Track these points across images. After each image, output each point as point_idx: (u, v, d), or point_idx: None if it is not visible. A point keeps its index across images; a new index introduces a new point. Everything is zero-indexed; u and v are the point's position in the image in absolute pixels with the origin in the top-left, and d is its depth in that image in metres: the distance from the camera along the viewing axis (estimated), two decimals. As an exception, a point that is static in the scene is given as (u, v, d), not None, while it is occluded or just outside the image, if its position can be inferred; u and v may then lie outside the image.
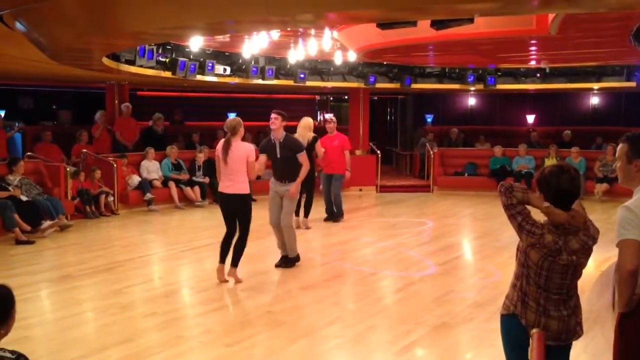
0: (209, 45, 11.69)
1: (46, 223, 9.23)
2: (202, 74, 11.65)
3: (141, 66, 10.43)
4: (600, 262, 7.35)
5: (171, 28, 6.42)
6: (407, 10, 5.39)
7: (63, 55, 8.52)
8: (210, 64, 11.68)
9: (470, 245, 9.67)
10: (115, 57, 9.75)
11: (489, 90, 15.28)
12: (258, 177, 12.69)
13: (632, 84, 13.39)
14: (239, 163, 6.54)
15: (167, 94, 18.35)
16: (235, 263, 6.77)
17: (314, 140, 9.75)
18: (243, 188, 6.60)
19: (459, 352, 5.09)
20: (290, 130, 9.45)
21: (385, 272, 7.49)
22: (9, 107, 16.14)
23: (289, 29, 9.12)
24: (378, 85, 14.34)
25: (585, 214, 3.04)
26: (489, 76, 14.49)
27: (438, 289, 6.66)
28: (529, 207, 3.05)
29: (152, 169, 12.29)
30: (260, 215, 7.96)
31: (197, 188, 12.33)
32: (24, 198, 9.36)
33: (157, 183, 12.16)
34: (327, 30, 9.37)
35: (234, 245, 6.73)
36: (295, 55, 11.69)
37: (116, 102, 14.05)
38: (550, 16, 6.87)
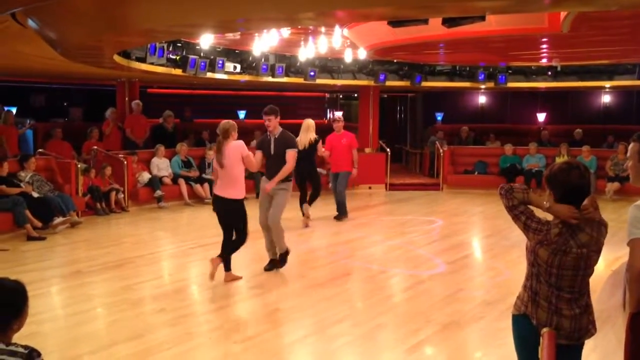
0: (220, 43, 11.73)
1: (57, 219, 9.29)
2: (212, 71, 11.68)
3: (152, 64, 10.48)
4: (611, 261, 7.31)
5: (182, 25, 6.45)
6: (418, 8, 5.39)
7: (74, 53, 8.58)
8: (220, 62, 11.72)
9: (480, 243, 9.64)
10: (126, 55, 9.80)
11: (499, 88, 15.22)
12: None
13: (644, 82, 13.31)
14: (235, 166, 6.42)
15: (177, 91, 18.41)
16: (227, 267, 6.70)
17: (317, 141, 9.74)
18: (237, 193, 6.47)
19: (469, 351, 5.08)
20: (297, 128, 9.52)
21: (395, 270, 7.48)
22: (21, 104, 16.25)
23: (299, 27, 9.13)
24: (388, 83, 14.33)
25: (598, 211, 3.01)
26: (499, 74, 14.44)
27: (447, 288, 6.64)
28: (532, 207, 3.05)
29: (162, 166, 12.34)
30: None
31: (206, 185, 12.36)
32: (35, 194, 9.42)
33: (167, 180, 12.20)
34: (337, 28, 9.37)
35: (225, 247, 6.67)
36: (306, 53, 11.72)
37: (127, 99, 14.12)
38: (563, 14, 6.83)
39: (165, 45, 10.44)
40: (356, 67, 14.04)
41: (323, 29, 9.74)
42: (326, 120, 20.75)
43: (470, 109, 19.71)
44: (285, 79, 13.17)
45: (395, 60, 13.94)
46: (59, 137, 12.62)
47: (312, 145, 9.69)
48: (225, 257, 6.69)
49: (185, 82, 15.55)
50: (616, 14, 6.63)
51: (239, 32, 9.68)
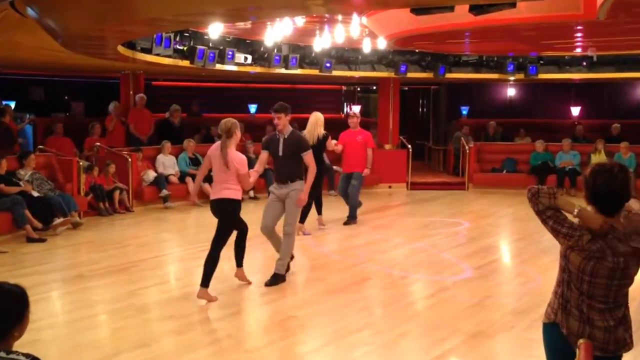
0: (229, 33, 11.75)
1: (58, 220, 9.37)
2: (222, 63, 11.71)
3: (158, 55, 10.52)
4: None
5: (189, 14, 6.47)
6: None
7: (76, 43, 8.64)
8: (230, 53, 11.74)
9: (509, 247, 9.58)
10: (130, 45, 9.85)
11: (530, 80, 15.11)
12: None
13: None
14: (229, 172, 6.32)
15: (184, 84, 18.49)
16: (239, 262, 6.74)
17: (325, 137, 9.37)
18: (231, 193, 6.39)
19: (497, 363, 5.05)
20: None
21: (417, 275, 7.47)
22: (20, 98, 16.40)
23: (314, 15, 9.12)
24: (409, 74, 14.28)
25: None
26: (530, 65, 14.34)
27: (474, 295, 6.62)
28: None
29: (168, 163, 12.40)
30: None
31: (215, 184, 12.39)
32: (35, 194, 9.51)
33: (174, 179, 12.26)
34: (355, 16, 9.35)
35: (234, 245, 6.68)
36: (321, 43, 11.70)
37: (131, 92, 14.21)
38: (599, 0, 6.76)
39: (172, 36, 10.47)
40: (375, 57, 14.01)
41: (340, 17, 9.72)
42: (343, 115, 20.71)
43: (498, 102, 19.58)
44: (299, 71, 13.17)
45: (417, 50, 13.89)
46: (60, 133, 12.74)
47: (322, 142, 9.30)
48: (241, 257, 6.71)
49: (193, 75, 15.59)
50: (658, 0, 6.55)
51: (250, 21, 9.69)
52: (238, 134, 6.42)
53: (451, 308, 6.21)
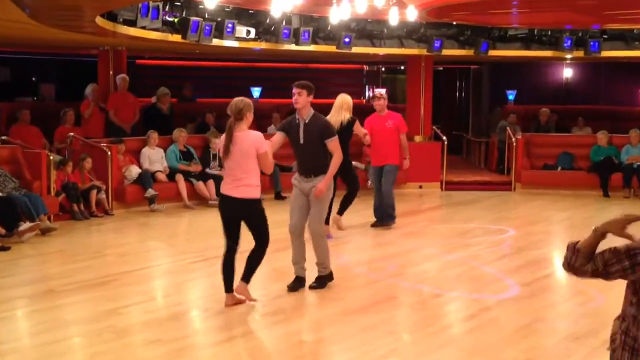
0: (229, 1, 11.77)
1: (24, 225, 9.42)
2: (220, 37, 11.73)
3: (143, 27, 10.55)
4: None
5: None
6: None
7: (47, 15, 8.69)
8: (229, 25, 11.76)
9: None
10: (111, 17, 9.88)
11: (591, 58, 15.03)
12: (283, 168, 12.72)
13: None
14: (246, 158, 6.44)
15: (174, 63, 18.56)
16: (247, 278, 6.72)
17: (351, 122, 9.43)
18: (251, 191, 6.50)
19: (550, 399, 5.04)
20: (328, 109, 9.42)
21: (453, 293, 7.45)
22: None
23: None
24: (445, 51, 14.24)
25: None
26: (591, 40, 14.24)
27: (522, 317, 6.59)
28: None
29: (155, 158, 12.45)
30: (286, 219, 7.93)
31: (211, 183, 12.44)
32: (-4, 193, 9.59)
33: (162, 176, 12.31)
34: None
35: (249, 255, 6.71)
36: (339, 13, 11.68)
37: (111, 73, 14.27)
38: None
39: (160, 5, 10.51)
40: (404, 31, 13.98)
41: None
42: (364, 100, 20.70)
43: (552, 85, 19.49)
44: (312, 47, 13.16)
45: (454, 23, 13.85)
46: (27, 121, 12.81)
47: (346, 129, 9.35)
48: (251, 274, 6.72)
49: (186, 52, 15.63)
50: None
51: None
52: (250, 118, 6.52)
53: (494, 333, 6.18)
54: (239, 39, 12.16)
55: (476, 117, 20.40)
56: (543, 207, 13.00)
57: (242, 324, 6.43)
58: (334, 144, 7.14)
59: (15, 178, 10.18)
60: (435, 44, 13.97)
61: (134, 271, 8.17)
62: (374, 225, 10.59)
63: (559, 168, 14.80)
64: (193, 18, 11.09)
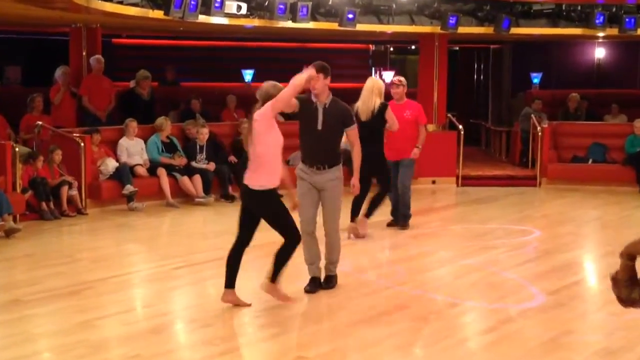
0: (217, -28, 11.76)
1: (-14, 226, 9.45)
2: (207, 13, 11.71)
3: (121, 2, 10.55)
4: None
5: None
6: None
7: (11, -13, 8.67)
8: (218, 0, 11.74)
9: (596, 265, 9.53)
10: (84, -10, 9.87)
11: (626, 37, 15.02)
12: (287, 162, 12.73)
13: None
14: (259, 142, 6.57)
15: (155, 42, 18.54)
16: (273, 277, 6.90)
17: (382, 109, 9.49)
18: (252, 180, 6.62)
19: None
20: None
21: (470, 302, 7.44)
22: None
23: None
24: (461, 29, 14.22)
25: None
26: (626, 16, 14.22)
27: (548, 329, 6.59)
28: None
29: (133, 150, 12.44)
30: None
31: (197, 178, 12.44)
32: (-45, 190, 9.59)
33: (142, 170, 12.31)
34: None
35: (275, 253, 6.85)
36: (341, -15, 11.68)
37: (84, 54, 14.24)
38: None
39: (139, -24, 10.51)
40: (415, 6, 13.97)
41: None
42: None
43: (582, 67, 19.48)
44: (311, 25, 13.15)
45: (472, -4, 13.86)
46: (-11, 108, 12.81)
47: (378, 116, 9.43)
48: (278, 271, 6.88)
49: (168, 30, 15.61)
50: None
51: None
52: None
53: (517, 346, 6.18)
54: (228, 15, 12.14)
55: (496, 104, 20.40)
56: (572, 205, 13.02)
57: (233, 337, 6.43)
58: (354, 133, 7.34)
59: (-24, 173, 10.19)
60: (450, 21, 13.94)
61: (110, 278, 8.15)
62: (390, 224, 10.62)
63: (590, 161, 14.81)
64: (177, -9, 11.07)
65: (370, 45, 20.90)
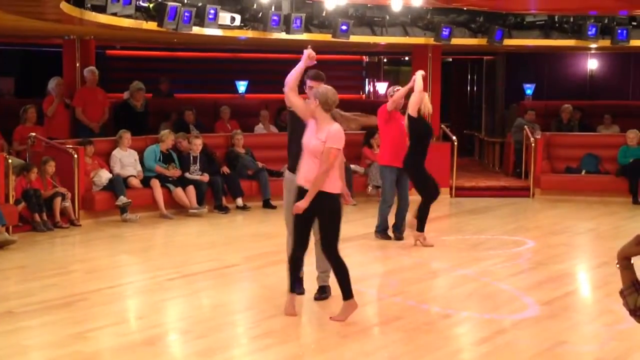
0: (211, -16, 11.78)
1: (-21, 237, 9.41)
2: (201, 25, 11.73)
3: (114, 14, 10.54)
4: None
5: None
6: None
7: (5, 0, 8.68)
8: (212, 11, 11.76)
9: (590, 275, 9.55)
10: (78, 2, 9.88)
11: (618, 48, 15.05)
12: (272, 173, 12.72)
13: None
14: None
15: (149, 54, 18.54)
16: (346, 294, 6.98)
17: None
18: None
19: None
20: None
21: (464, 313, 7.44)
22: None
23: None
24: (454, 40, 14.24)
25: None
26: (618, 27, 14.28)
27: (542, 339, 6.60)
28: None
29: (127, 161, 12.42)
30: (277, 230, 7.98)
31: (191, 189, 12.42)
32: (-52, 202, 9.57)
33: (135, 181, 12.28)
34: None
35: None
36: (335, -3, 11.70)
37: (78, 65, 14.24)
38: None
39: (133, -12, 10.52)
40: (408, 18, 14.00)
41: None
42: (364, 96, 20.72)
43: (575, 78, 19.51)
44: (305, 36, 13.17)
45: (465, 8, 13.88)
46: (-18, 120, 12.78)
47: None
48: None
49: (162, 41, 15.63)
50: None
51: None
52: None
53: (511, 357, 6.19)
54: (222, 26, 12.15)
55: (490, 115, 20.41)
56: (565, 216, 13.03)
57: (227, 348, 6.42)
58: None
59: (-31, 184, 10.16)
60: (444, 32, 13.98)
61: (104, 289, 8.13)
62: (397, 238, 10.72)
63: (583, 172, 14.82)
64: (170, 3, 11.08)
65: (364, 57, 20.92)
